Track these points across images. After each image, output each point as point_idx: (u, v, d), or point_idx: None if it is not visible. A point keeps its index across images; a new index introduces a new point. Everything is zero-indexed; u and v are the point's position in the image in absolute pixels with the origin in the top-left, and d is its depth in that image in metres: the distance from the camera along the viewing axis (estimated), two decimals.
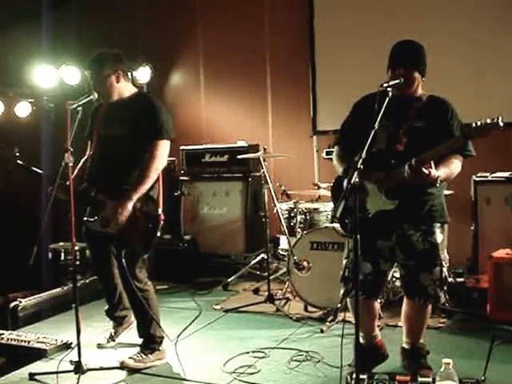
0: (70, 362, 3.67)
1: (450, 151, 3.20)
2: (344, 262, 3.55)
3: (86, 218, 3.89)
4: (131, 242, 3.78)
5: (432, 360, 3.53)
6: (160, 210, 3.81)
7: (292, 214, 5.41)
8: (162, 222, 3.82)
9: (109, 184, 3.80)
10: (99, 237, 3.94)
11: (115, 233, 3.77)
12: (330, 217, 5.21)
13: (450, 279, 4.47)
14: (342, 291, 3.54)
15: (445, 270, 3.43)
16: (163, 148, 3.82)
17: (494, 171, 5.24)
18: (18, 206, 6.58)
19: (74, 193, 3.55)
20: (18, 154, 3.81)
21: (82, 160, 4.07)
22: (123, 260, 3.74)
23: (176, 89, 7.37)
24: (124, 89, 3.94)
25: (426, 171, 3.07)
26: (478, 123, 2.98)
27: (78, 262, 5.53)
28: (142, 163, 3.80)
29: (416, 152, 3.15)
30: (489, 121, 2.95)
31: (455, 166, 3.29)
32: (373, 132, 2.93)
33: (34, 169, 3.86)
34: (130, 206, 3.70)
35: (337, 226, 4.54)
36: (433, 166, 3.10)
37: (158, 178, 3.87)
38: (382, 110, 3.01)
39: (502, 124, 2.92)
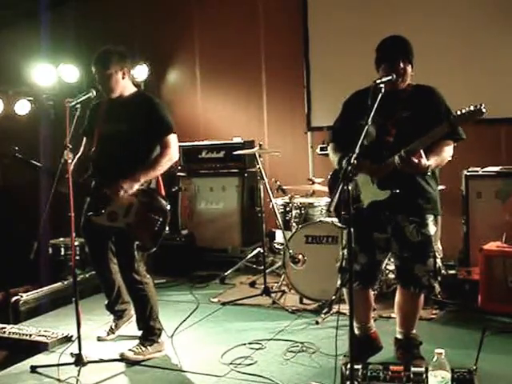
0: (71, 354, 3.72)
1: (439, 138, 3.23)
2: (341, 253, 3.59)
3: (91, 213, 3.91)
4: (140, 236, 3.84)
5: (425, 350, 3.58)
6: (169, 206, 3.86)
7: (287, 209, 5.46)
8: (169, 217, 3.87)
9: (114, 179, 3.80)
10: (98, 232, 3.98)
11: (123, 227, 3.83)
12: (324, 211, 5.28)
13: (443, 270, 4.57)
14: (339, 282, 3.59)
15: (438, 261, 3.48)
16: (175, 142, 3.95)
17: (485, 166, 5.27)
18: (17, 201, 6.60)
19: (75, 186, 3.60)
20: (16, 148, 3.86)
21: (77, 156, 4.07)
22: (135, 252, 3.83)
23: (173, 86, 7.40)
24: (126, 86, 4.01)
25: (415, 161, 3.13)
26: (463, 110, 3.04)
27: (77, 257, 5.60)
28: (146, 158, 3.88)
29: (406, 142, 3.20)
30: (472, 108, 3.02)
31: (445, 153, 3.34)
32: (366, 128, 2.97)
33: (33, 162, 3.91)
34: (135, 186, 3.77)
35: (333, 219, 4.61)
36: (423, 155, 3.15)
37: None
38: (375, 106, 3.05)
39: (484, 110, 2.99)
